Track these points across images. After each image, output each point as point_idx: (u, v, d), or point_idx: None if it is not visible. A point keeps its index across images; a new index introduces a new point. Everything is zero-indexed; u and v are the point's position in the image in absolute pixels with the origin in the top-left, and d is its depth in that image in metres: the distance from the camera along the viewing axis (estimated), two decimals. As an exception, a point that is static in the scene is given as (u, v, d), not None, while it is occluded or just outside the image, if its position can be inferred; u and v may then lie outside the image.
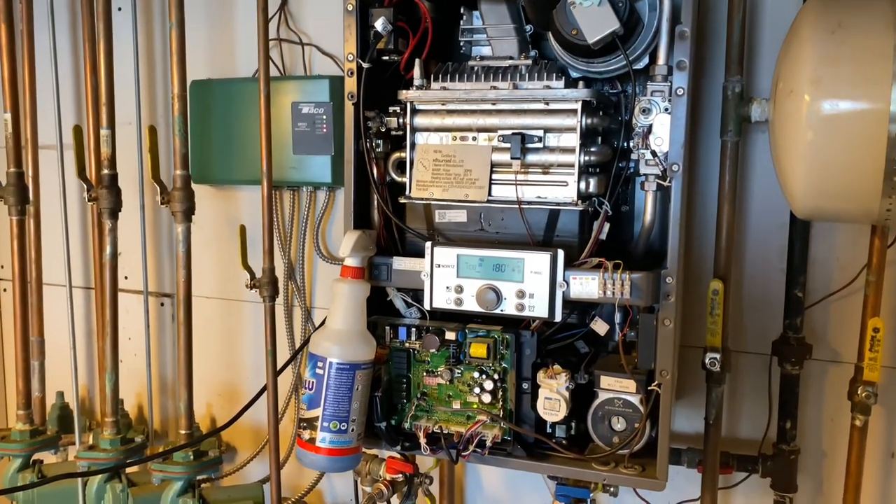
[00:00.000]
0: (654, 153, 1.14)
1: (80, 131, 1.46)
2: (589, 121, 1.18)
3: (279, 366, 1.39)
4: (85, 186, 1.46)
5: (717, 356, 1.25)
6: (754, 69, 1.32)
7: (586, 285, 1.14)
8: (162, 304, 1.97)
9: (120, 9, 1.81)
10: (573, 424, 1.25)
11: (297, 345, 1.80)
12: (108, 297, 1.50)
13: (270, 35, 1.74)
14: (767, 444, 1.43)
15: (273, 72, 1.76)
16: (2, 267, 2.10)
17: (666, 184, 1.13)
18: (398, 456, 1.41)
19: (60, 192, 1.61)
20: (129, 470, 1.54)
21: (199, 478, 1.46)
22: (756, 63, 1.32)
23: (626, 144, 1.23)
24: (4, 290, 2.10)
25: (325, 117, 1.67)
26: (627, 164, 1.26)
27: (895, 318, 1.33)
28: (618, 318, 1.23)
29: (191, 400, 1.47)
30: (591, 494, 1.35)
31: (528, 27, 1.30)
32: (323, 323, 1.24)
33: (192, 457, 1.44)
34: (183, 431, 1.46)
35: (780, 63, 1.09)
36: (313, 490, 1.77)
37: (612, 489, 1.38)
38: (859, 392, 1.29)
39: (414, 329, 1.26)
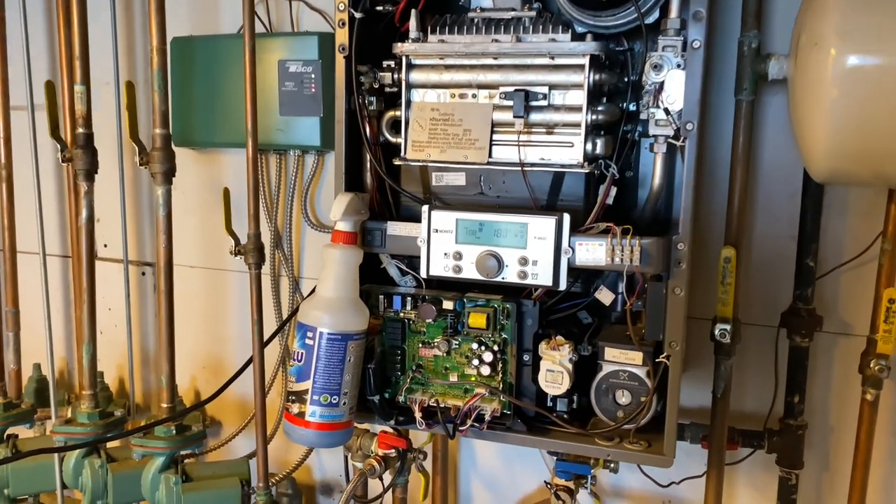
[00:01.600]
0: (666, 111, 1.07)
1: (52, 87, 1.37)
2: (597, 77, 1.11)
3: (266, 337, 1.32)
4: (59, 147, 1.37)
5: (728, 327, 1.19)
6: (769, 24, 1.24)
7: (593, 252, 1.07)
8: (143, 274, 1.89)
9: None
10: (575, 398, 1.19)
11: (285, 315, 1.73)
12: (84, 265, 1.42)
13: (256, -11, 1.65)
14: (773, 419, 1.38)
15: (259, 28, 1.67)
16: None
17: (679, 143, 1.06)
18: (391, 430, 1.36)
19: (32, 154, 1.52)
20: (109, 445, 1.47)
21: (182, 453, 1.39)
22: (771, 18, 1.25)
23: (632, 105, 1.16)
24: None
25: (313, 76, 1.58)
26: (635, 126, 1.19)
27: (909, 289, 1.28)
28: (621, 287, 1.18)
29: (173, 373, 1.40)
30: (592, 470, 1.30)
31: (531, -22, 1.22)
32: (313, 291, 1.17)
33: (174, 431, 1.37)
34: (165, 405, 1.39)
35: (803, 15, 1.02)
36: (301, 466, 1.71)
37: (612, 465, 1.33)
38: (871, 365, 1.24)
39: (409, 298, 1.19)
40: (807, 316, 1.31)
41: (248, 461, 1.52)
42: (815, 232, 1.30)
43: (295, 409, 1.12)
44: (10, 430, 1.57)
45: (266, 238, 1.70)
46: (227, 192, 1.33)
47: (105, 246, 1.90)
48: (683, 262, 1.07)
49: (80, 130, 1.37)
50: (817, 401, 1.37)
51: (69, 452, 1.42)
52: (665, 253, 1.07)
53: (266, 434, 1.33)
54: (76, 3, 1.35)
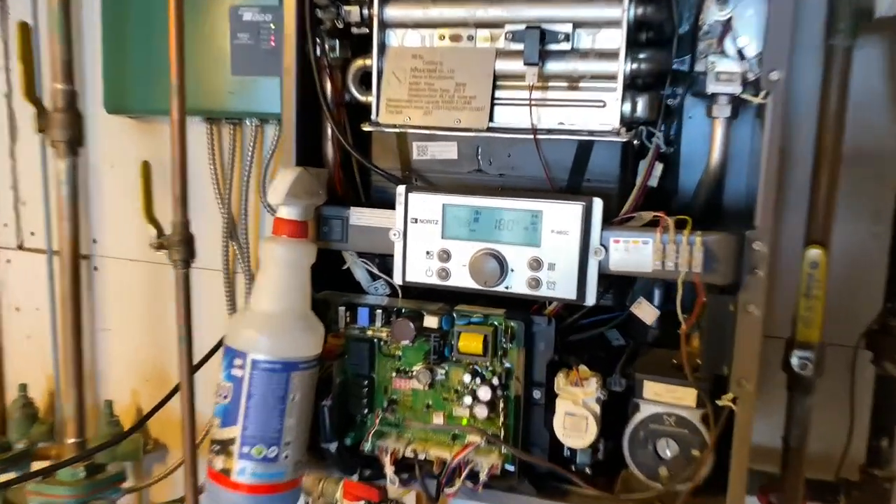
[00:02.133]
0: (740, 54, 0.76)
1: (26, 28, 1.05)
2: (640, 10, 0.80)
3: (200, 357, 1.01)
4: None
5: (811, 355, 0.88)
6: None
7: (634, 252, 0.77)
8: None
9: None
10: (601, 445, 0.89)
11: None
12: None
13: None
14: (849, 467, 1.08)
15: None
16: None
17: (758, 100, 0.75)
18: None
19: None
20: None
21: (94, 501, 1.09)
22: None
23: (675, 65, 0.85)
24: None
25: (272, 26, 1.27)
26: (686, 86, 0.88)
27: None
28: (657, 296, 0.88)
29: (81, 399, 1.10)
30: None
31: None
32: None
33: (82, 474, 1.07)
34: (70, 440, 1.08)
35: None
36: None
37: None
38: None
39: (380, 311, 0.88)
40: (901, 336, 1.00)
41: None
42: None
43: (219, 463, 0.82)
44: None
45: (217, 226, 1.41)
46: (146, 167, 1.02)
47: (32, 234, 1.60)
48: (761, 268, 0.76)
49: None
50: (909, 445, 1.07)
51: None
52: (736, 255, 0.76)
53: (197, 486, 1.02)
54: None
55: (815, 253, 0.86)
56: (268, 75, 1.29)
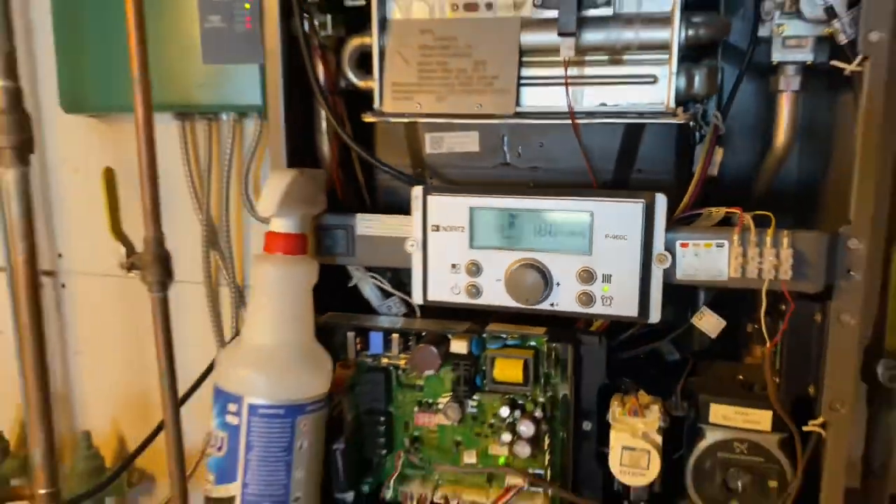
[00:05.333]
0: (831, 10, 0.62)
1: None
2: (695, -31, 0.66)
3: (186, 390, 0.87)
4: None
5: (901, 364, 0.76)
6: None
7: (707, 258, 0.63)
8: (40, 285, 1.43)
9: None
10: (658, 483, 0.76)
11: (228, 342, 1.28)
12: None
13: None
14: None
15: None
16: None
17: (852, 67, 0.62)
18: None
19: None
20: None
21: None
22: None
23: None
24: None
25: (247, 6, 1.12)
26: (747, 58, 0.75)
27: None
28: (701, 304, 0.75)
29: (51, 442, 0.95)
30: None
31: None
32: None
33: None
34: (41, 491, 0.94)
35: None
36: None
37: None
38: None
39: (396, 335, 0.74)
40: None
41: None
42: None
43: (214, 527, 0.68)
44: None
45: (196, 236, 1.26)
46: (109, 174, 0.87)
47: (-11, 250, 1.44)
48: (858, 271, 0.63)
49: None
50: None
51: None
52: (829, 256, 0.63)
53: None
54: None
55: (904, 247, 0.73)
56: (244, 62, 1.13)
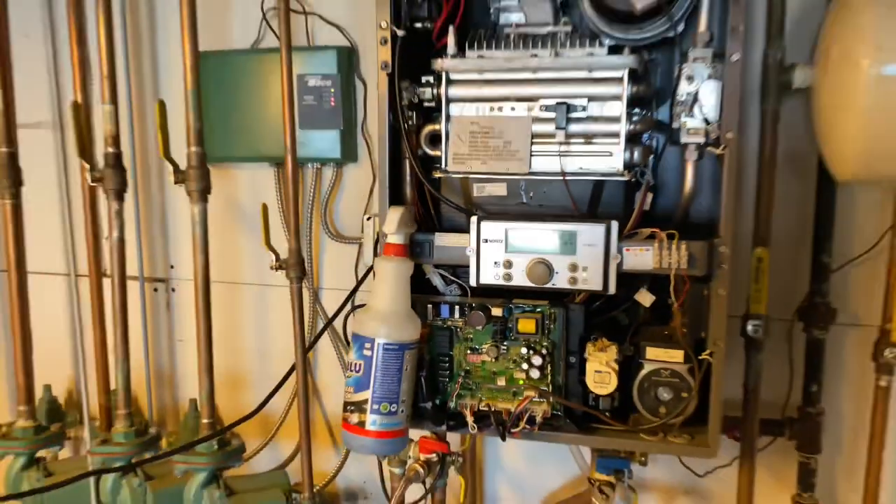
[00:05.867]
0: (706, 121, 1.13)
1: (79, 108, 1.36)
2: (634, 89, 1.16)
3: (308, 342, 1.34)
4: (87, 167, 1.36)
5: (760, 323, 1.26)
6: (787, 37, 1.32)
7: (640, 257, 1.13)
8: (155, 290, 1.88)
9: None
10: (616, 396, 1.24)
11: (307, 326, 1.74)
12: (116, 284, 1.42)
13: (270, 3, 1.67)
14: (790, 408, 1.46)
15: (272, 41, 1.69)
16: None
17: (718, 152, 1.12)
18: (430, 436, 1.39)
19: (58, 174, 1.50)
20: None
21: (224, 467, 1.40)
22: (788, 31, 1.32)
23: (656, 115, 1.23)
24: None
25: (332, 90, 1.60)
26: (661, 144, 1.26)
27: (917, 280, 1.36)
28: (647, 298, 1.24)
29: (212, 388, 1.41)
30: (629, 466, 1.36)
31: (557, -7, 1.27)
32: (354, 306, 1.19)
33: (216, 446, 1.38)
34: (205, 420, 1.39)
35: (833, 29, 1.09)
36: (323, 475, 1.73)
37: (643, 458, 1.38)
38: (885, 353, 1.32)
39: (457, 306, 1.23)
40: (823, 309, 1.39)
41: (285, 472, 1.53)
42: (829, 230, 1.37)
43: (354, 418, 1.15)
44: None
45: (284, 250, 1.73)
46: (265, 209, 1.34)
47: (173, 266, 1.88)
48: (726, 264, 1.13)
49: (110, 150, 1.37)
50: (832, 389, 1.45)
51: (105, 475, 1.41)
52: (708, 255, 1.13)
53: (310, 445, 1.35)
54: (103, 23, 1.34)
55: (761, 251, 1.24)
56: (328, 129, 1.62)
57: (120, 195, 1.39)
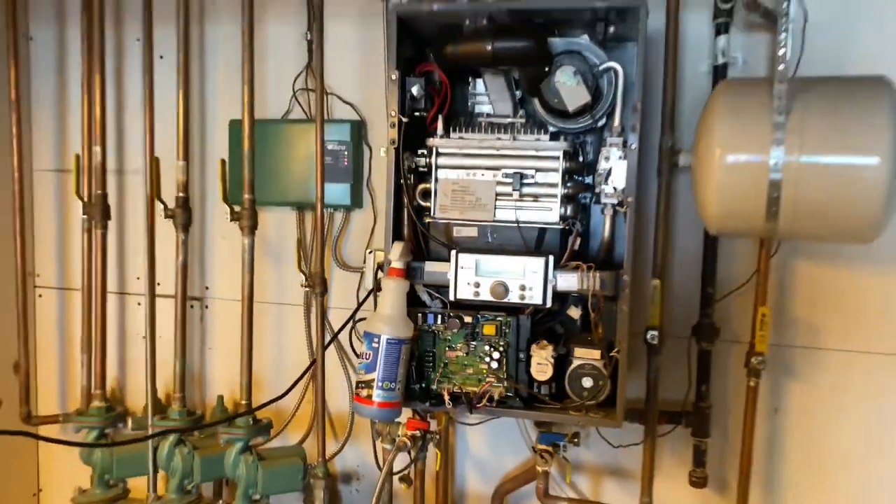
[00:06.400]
0: (614, 189, 1.62)
1: (157, 161, 1.82)
2: (567, 164, 1.66)
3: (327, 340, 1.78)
4: (162, 206, 1.81)
5: (657, 333, 1.74)
6: (677, 129, 1.83)
7: (569, 281, 1.61)
8: (191, 307, 2.31)
9: (162, 56, 2.18)
10: (553, 384, 1.70)
11: (314, 340, 2.18)
12: (178, 301, 1.86)
13: (298, 86, 2.16)
14: (687, 403, 1.93)
15: (299, 114, 2.17)
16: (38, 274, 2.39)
17: (623, 210, 1.62)
18: (415, 417, 1.83)
19: (144, 212, 1.95)
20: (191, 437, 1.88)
21: (252, 441, 1.82)
22: (678, 126, 1.83)
23: (587, 181, 1.73)
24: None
25: (346, 153, 2.09)
26: (590, 199, 1.75)
27: (776, 307, 1.86)
28: (577, 312, 1.71)
29: (250, 377, 1.84)
30: (564, 440, 1.82)
31: (517, 92, 1.77)
32: (356, 321, 1.65)
33: (251, 421, 1.81)
34: (244, 402, 1.82)
35: (700, 127, 1.60)
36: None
37: (576, 440, 1.84)
38: (753, 361, 1.81)
39: (439, 315, 1.69)
40: (710, 328, 1.88)
41: (302, 447, 1.95)
42: (713, 269, 1.87)
43: (364, 392, 1.60)
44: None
45: (300, 277, 2.19)
46: (300, 241, 1.81)
47: (158, 284, 2.32)
48: (627, 289, 1.61)
49: (180, 194, 1.83)
50: (718, 388, 1.93)
51: (162, 443, 1.83)
52: (615, 282, 1.61)
53: (325, 423, 1.79)
54: (182, 101, 1.82)
55: (656, 281, 1.73)
56: (341, 182, 2.09)
57: (186, 229, 1.84)
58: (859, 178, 1.44)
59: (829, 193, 1.45)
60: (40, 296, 2.38)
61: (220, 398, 2.20)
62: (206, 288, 2.30)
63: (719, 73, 1.80)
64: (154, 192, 1.80)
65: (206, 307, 2.31)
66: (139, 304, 2.33)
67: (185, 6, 1.93)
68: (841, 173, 1.45)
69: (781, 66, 1.45)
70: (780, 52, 1.45)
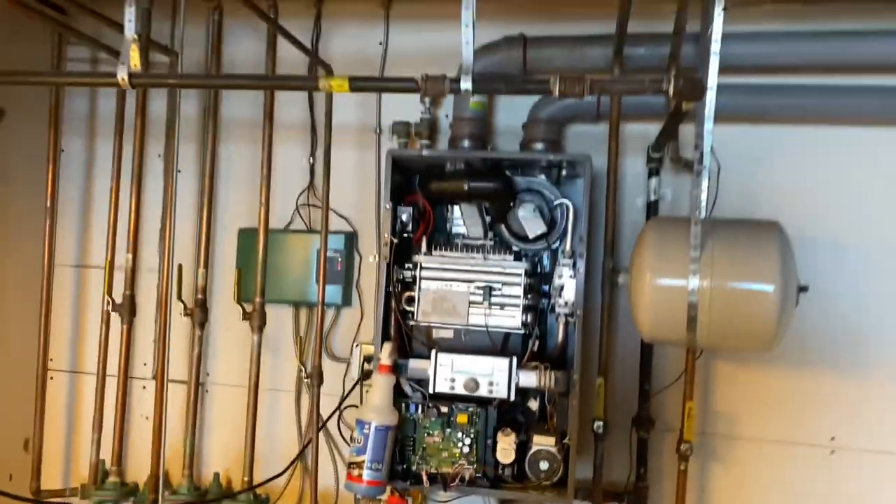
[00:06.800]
0: (566, 302, 1.98)
1: (181, 268, 2.14)
2: (527, 281, 2.02)
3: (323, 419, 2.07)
4: (183, 306, 2.12)
5: (602, 423, 2.07)
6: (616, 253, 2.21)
7: (529, 378, 1.94)
8: (206, 391, 2.56)
9: (180, 171, 2.52)
10: (516, 466, 2.01)
11: (303, 426, 2.45)
12: (192, 387, 2.14)
13: (301, 201, 2.51)
14: (629, 485, 2.25)
15: (299, 224, 2.51)
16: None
17: (573, 320, 1.98)
18: (394, 494, 2.11)
19: (156, 307, 2.24)
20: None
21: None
22: (618, 250, 2.21)
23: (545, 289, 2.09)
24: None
25: (339, 259, 2.43)
26: (547, 305, 2.11)
27: (701, 402, 2.22)
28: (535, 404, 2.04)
29: (253, 457, 2.11)
30: (524, 516, 2.11)
31: (488, 218, 2.14)
32: (343, 408, 1.95)
33: (252, 496, 2.07)
34: (245, 478, 2.09)
35: (634, 254, 1.98)
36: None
37: (533, 513, 2.14)
38: (682, 448, 2.14)
39: (420, 405, 2.00)
40: (647, 419, 2.22)
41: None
42: (649, 369, 2.23)
43: (356, 472, 1.89)
44: None
45: (294, 367, 2.48)
46: (301, 338, 2.11)
47: (145, 364, 2.57)
48: (577, 386, 1.95)
49: (199, 296, 2.13)
50: (654, 471, 2.26)
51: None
52: (567, 379, 1.95)
53: (316, 498, 2.06)
54: (206, 210, 2.15)
55: (600, 379, 2.07)
56: (336, 284, 2.42)
57: (202, 325, 2.14)
58: (758, 302, 1.82)
59: (735, 313, 1.83)
60: (52, 378, 2.61)
61: (217, 475, 2.44)
62: (208, 374, 2.57)
63: (652, 207, 2.21)
64: (178, 294, 2.11)
65: (207, 391, 2.57)
66: (144, 387, 2.58)
67: (214, 128, 2.29)
68: (744, 297, 1.83)
69: (697, 212, 1.85)
70: (697, 200, 1.86)
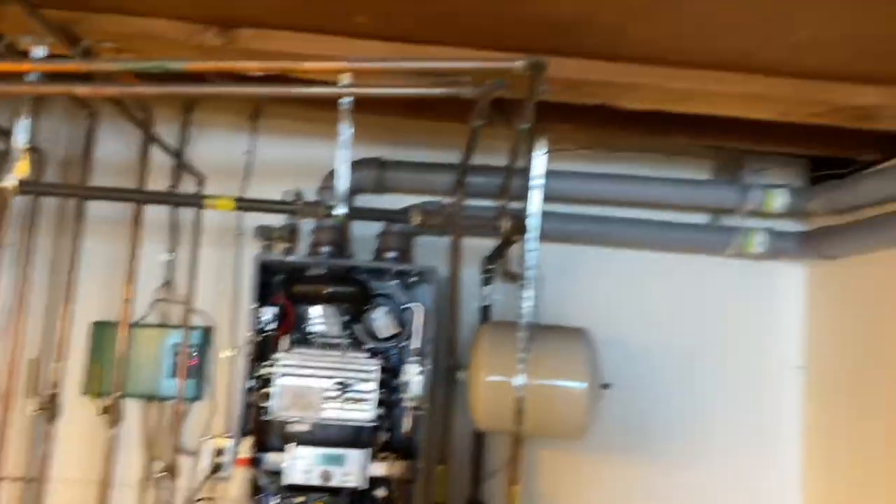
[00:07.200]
0: (413, 396, 2.24)
1: (37, 363, 2.14)
2: (381, 377, 2.25)
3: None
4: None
5: (445, 507, 2.31)
6: (456, 350, 2.52)
7: (380, 468, 2.15)
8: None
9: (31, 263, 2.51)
10: (365, 552, 2.18)
11: (149, 517, 2.46)
12: (39, 483, 2.10)
13: (157, 296, 2.59)
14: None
15: (153, 318, 2.58)
16: None
17: (419, 413, 2.22)
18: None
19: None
20: None
21: None
22: (457, 347, 2.52)
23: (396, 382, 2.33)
24: None
25: (195, 354, 2.52)
26: (396, 399, 2.35)
27: (527, 485, 2.52)
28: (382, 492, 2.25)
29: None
30: None
31: (345, 317, 2.36)
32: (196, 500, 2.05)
33: None
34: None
35: (471, 354, 2.28)
36: None
37: None
38: (510, 526, 2.42)
39: (278, 496, 2.13)
40: (479, 502, 2.48)
41: None
42: (482, 456, 2.51)
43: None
44: None
45: (139, 465, 2.49)
46: (150, 432, 2.17)
47: None
48: (421, 473, 2.18)
49: (55, 391, 2.14)
50: (487, 549, 2.51)
51: None
52: (413, 468, 2.17)
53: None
54: (64, 304, 2.18)
55: (441, 467, 2.32)
56: (189, 378, 2.50)
57: (52, 420, 2.13)
58: (571, 397, 2.17)
59: (553, 406, 2.17)
60: None
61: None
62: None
63: (486, 311, 2.55)
64: (32, 390, 2.10)
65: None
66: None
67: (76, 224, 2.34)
68: (560, 393, 2.18)
69: (523, 321, 2.20)
70: (523, 310, 2.21)
